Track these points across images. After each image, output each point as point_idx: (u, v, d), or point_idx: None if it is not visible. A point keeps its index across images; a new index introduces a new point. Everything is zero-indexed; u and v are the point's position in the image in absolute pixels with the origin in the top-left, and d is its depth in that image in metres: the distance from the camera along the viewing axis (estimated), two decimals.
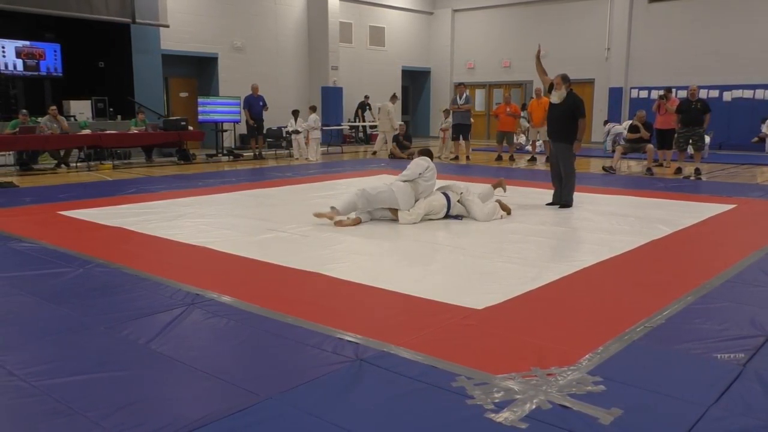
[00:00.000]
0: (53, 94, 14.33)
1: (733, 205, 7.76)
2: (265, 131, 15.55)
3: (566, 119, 7.50)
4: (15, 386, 2.81)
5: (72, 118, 13.54)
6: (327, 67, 18.96)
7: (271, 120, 15.73)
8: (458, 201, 6.77)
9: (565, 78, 7.58)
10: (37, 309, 3.92)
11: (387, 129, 15.18)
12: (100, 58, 15.64)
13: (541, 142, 13.70)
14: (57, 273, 4.68)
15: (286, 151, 15.82)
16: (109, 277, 4.59)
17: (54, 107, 12.33)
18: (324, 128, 16.12)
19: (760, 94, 16.49)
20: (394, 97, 15.98)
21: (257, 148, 14.86)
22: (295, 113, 14.94)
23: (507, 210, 6.97)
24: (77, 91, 14.41)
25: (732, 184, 10.22)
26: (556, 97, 7.61)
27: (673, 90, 16.99)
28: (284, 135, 16.08)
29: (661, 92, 12.72)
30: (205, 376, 2.92)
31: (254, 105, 14.57)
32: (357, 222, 6.53)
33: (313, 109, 15.03)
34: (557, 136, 7.67)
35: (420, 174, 6.65)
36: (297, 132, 14.65)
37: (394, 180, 6.82)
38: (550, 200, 7.81)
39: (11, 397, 2.72)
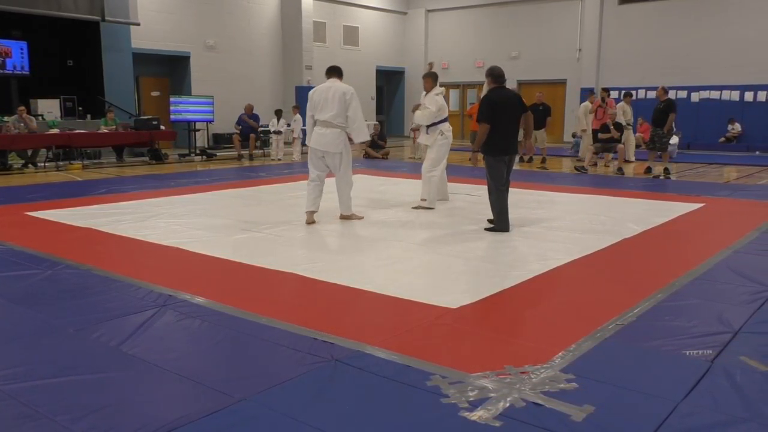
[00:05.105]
0: (20, 93, 14.02)
1: (702, 204, 7.90)
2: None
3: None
4: None
5: (40, 117, 13.26)
6: (301, 66, 18.90)
7: None
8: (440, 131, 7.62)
9: (489, 72, 6.06)
10: (4, 312, 3.84)
11: (584, 126, 13.85)
12: (69, 57, 15.36)
13: None
14: (25, 275, 4.59)
15: (260, 151, 15.68)
16: (79, 278, 4.52)
17: (23, 107, 12.07)
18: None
19: (726, 95, 16.84)
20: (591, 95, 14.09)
21: (247, 150, 14.68)
22: (278, 113, 14.77)
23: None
24: (45, 90, 14.13)
25: (700, 183, 10.41)
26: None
27: (644, 91, 17.38)
28: (258, 135, 15.92)
29: (601, 96, 12.95)
30: (178, 378, 2.89)
31: (244, 124, 14.62)
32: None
33: (296, 108, 14.86)
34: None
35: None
36: (279, 132, 14.51)
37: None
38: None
39: None
